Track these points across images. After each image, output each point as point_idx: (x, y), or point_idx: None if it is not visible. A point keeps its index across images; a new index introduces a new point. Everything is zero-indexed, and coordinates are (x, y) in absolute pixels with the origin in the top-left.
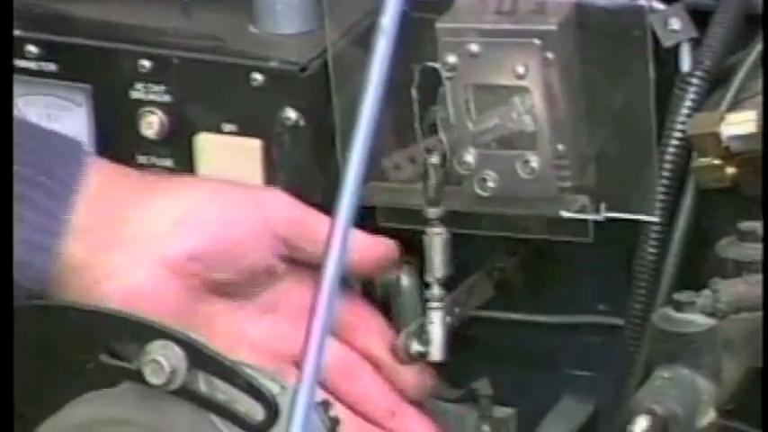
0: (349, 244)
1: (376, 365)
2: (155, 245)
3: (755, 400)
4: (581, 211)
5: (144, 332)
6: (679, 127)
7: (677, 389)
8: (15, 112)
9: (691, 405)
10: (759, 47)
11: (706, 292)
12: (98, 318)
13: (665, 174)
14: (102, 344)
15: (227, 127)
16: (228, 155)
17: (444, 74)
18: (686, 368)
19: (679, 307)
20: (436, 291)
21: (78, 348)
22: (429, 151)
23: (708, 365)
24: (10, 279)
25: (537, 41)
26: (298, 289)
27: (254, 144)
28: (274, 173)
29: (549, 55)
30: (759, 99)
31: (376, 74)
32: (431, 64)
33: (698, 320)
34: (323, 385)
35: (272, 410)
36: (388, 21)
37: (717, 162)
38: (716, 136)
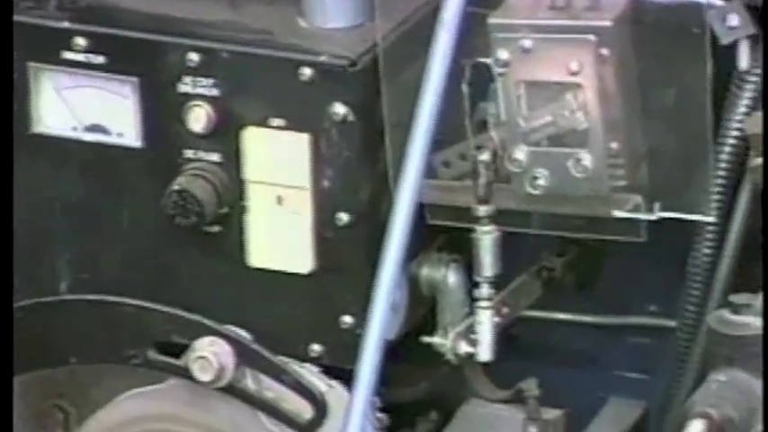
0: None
1: None
2: None
3: None
4: (634, 210)
5: (192, 328)
6: (736, 125)
7: (733, 393)
8: (63, 103)
9: (748, 410)
10: None
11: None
12: (147, 313)
13: (721, 173)
14: (151, 339)
15: (276, 121)
16: (276, 149)
17: (496, 70)
18: (743, 372)
19: (735, 309)
20: (485, 290)
21: (127, 344)
22: (479, 148)
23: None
24: (10, 279)
25: (592, 37)
26: None
27: (303, 139)
28: (322, 168)
29: (604, 51)
30: None
31: (437, 68)
32: (482, 60)
33: (755, 323)
34: None
35: (321, 408)
36: (450, 15)
37: None
38: None
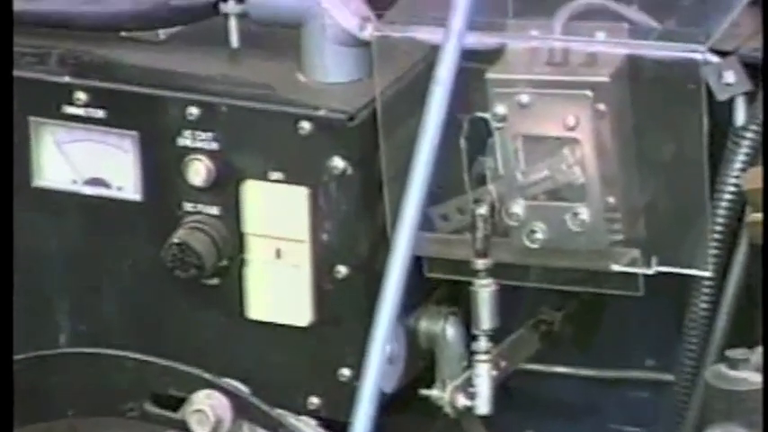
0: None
1: None
2: None
3: None
4: (632, 264)
5: (190, 381)
6: (732, 181)
7: None
8: (63, 157)
9: None
10: None
11: (760, 348)
12: (145, 366)
13: (718, 228)
14: (148, 392)
15: (275, 175)
16: (275, 203)
17: (494, 124)
18: (740, 427)
19: (733, 364)
20: (483, 343)
21: (124, 396)
22: (477, 202)
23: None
24: (10, 282)
25: (589, 93)
26: None
27: (302, 192)
28: (321, 221)
29: (601, 106)
30: None
31: (432, 124)
32: (480, 114)
33: (752, 378)
34: None
35: None
36: (445, 72)
37: None
38: None
